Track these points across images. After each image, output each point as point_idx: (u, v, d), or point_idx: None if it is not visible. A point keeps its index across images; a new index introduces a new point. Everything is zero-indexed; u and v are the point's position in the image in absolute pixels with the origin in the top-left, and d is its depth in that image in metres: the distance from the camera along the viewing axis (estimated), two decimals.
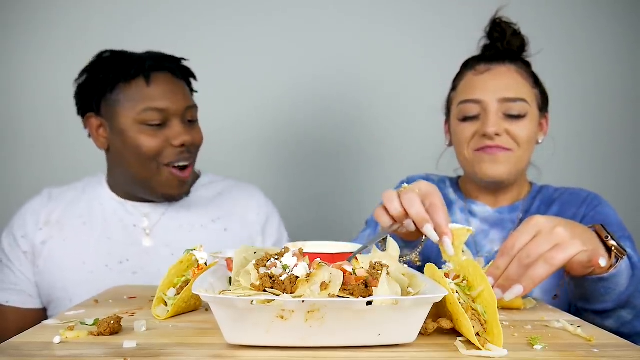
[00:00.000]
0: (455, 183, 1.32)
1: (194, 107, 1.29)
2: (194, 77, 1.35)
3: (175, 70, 1.28)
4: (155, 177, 1.24)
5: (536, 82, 1.20)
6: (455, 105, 1.20)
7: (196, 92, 1.35)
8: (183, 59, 1.32)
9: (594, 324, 0.89)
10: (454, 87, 1.24)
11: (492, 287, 0.76)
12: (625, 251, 0.84)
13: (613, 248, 0.83)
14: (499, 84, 1.15)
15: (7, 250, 1.28)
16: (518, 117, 1.14)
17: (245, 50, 1.87)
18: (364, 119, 1.90)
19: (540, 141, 1.21)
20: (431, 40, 1.88)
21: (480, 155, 1.15)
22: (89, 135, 1.31)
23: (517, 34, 1.21)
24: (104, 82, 1.23)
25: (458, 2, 1.87)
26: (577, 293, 0.90)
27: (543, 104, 1.21)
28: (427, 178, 1.32)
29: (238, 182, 1.45)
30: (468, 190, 1.27)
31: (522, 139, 1.14)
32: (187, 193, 1.33)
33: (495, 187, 1.20)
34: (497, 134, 1.13)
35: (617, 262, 0.83)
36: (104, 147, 1.29)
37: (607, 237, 0.83)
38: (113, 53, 1.28)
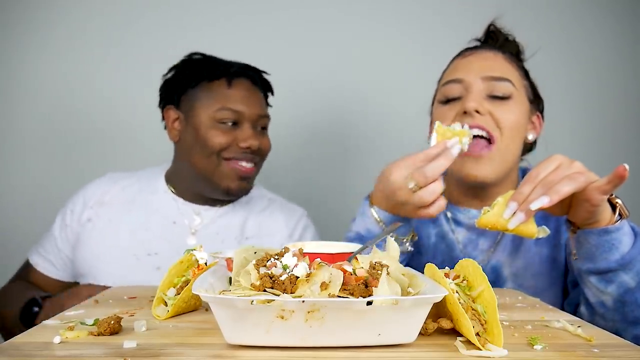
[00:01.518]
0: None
1: (266, 117, 1.37)
2: (272, 92, 1.42)
3: (256, 79, 1.36)
4: (217, 170, 1.30)
5: (526, 75, 1.14)
6: (440, 88, 1.15)
7: (271, 106, 1.42)
8: (265, 72, 1.39)
9: (598, 294, 0.90)
10: (439, 80, 1.19)
11: (514, 212, 0.83)
12: (628, 213, 0.88)
13: (617, 205, 0.88)
14: (483, 64, 1.10)
15: (57, 219, 1.38)
16: (503, 98, 1.07)
17: (245, 50, 1.87)
18: (368, 117, 1.90)
19: (530, 138, 1.14)
20: (432, 37, 1.88)
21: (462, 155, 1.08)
22: (165, 127, 1.39)
23: (510, 40, 1.19)
24: (189, 78, 1.32)
25: (457, 3, 1.88)
26: (582, 253, 0.91)
27: (534, 98, 1.15)
28: None
29: (284, 202, 1.48)
30: (450, 193, 1.17)
31: (506, 124, 1.06)
32: (247, 191, 1.37)
33: (480, 189, 1.13)
34: (477, 111, 1.05)
35: (620, 219, 0.87)
36: (175, 139, 1.36)
37: (611, 195, 0.87)
38: (204, 56, 1.37)
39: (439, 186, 0.93)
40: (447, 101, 1.11)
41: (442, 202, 0.95)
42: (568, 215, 0.90)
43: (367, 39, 1.90)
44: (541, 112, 1.19)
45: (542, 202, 0.80)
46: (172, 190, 1.39)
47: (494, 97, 1.07)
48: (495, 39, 1.19)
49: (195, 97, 1.31)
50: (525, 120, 1.11)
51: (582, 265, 0.92)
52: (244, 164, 1.31)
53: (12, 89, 1.86)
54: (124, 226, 1.33)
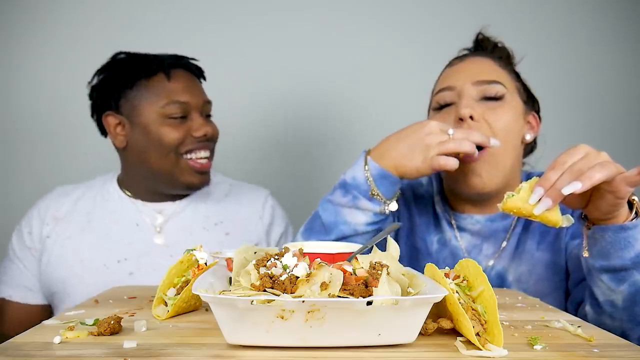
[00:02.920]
0: (442, 187, 1.24)
1: (210, 103, 1.35)
2: (204, 77, 1.39)
3: (190, 67, 1.34)
4: (176, 167, 1.28)
5: (518, 77, 1.14)
6: (432, 97, 1.16)
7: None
8: (194, 59, 1.37)
9: (608, 293, 0.89)
10: (433, 90, 1.19)
11: (541, 198, 0.82)
12: None
13: (635, 202, 0.87)
14: (473, 69, 1.10)
15: (15, 245, 1.34)
16: (495, 99, 1.07)
17: (245, 51, 1.87)
18: (366, 118, 1.90)
19: (528, 138, 1.14)
20: (430, 39, 1.88)
21: (460, 164, 1.08)
22: (103, 134, 1.35)
23: (500, 46, 1.19)
24: (124, 80, 1.27)
25: (454, 8, 1.87)
26: (596, 250, 0.89)
27: (528, 99, 1.14)
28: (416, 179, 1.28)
29: (246, 184, 1.47)
30: (452, 202, 1.20)
31: (499, 126, 1.06)
32: (208, 182, 1.35)
33: (480, 198, 1.13)
34: (471, 117, 1.05)
35: (636, 217, 0.86)
36: (122, 145, 1.31)
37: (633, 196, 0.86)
38: (128, 54, 1.32)
39: (467, 145, 1.00)
40: (441, 107, 1.12)
41: (456, 163, 1.02)
42: (585, 209, 0.89)
43: (369, 39, 1.89)
44: (537, 112, 1.18)
45: (575, 187, 0.78)
46: (128, 193, 1.36)
47: (487, 99, 1.08)
48: (484, 47, 1.19)
49: (136, 97, 1.27)
50: (520, 121, 1.11)
51: (595, 262, 0.90)
52: (202, 153, 1.30)
53: (12, 89, 1.86)
54: (87, 239, 1.30)
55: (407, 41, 1.90)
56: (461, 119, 1.06)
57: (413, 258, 1.20)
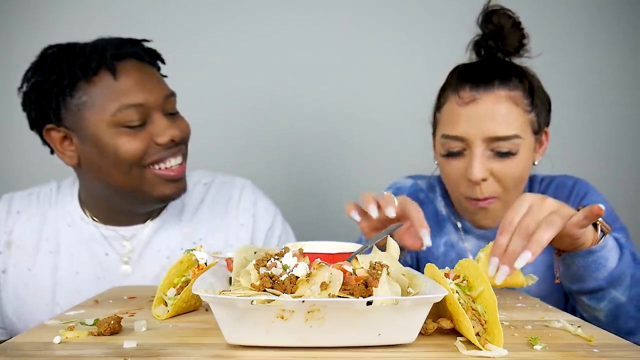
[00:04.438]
0: (445, 191, 1.22)
1: (173, 96, 1.09)
2: (162, 60, 1.13)
3: (141, 55, 1.08)
4: (142, 182, 1.05)
5: (532, 102, 1.05)
6: (439, 136, 1.09)
7: (166, 76, 1.14)
8: (145, 40, 1.11)
9: (590, 311, 0.90)
10: (438, 107, 1.12)
11: (498, 267, 0.79)
12: (610, 228, 0.86)
13: (599, 223, 0.86)
14: (486, 120, 1.01)
15: None
16: (508, 154, 1.03)
17: (244, 49, 1.87)
18: (364, 114, 1.90)
19: (537, 163, 1.12)
20: (431, 37, 1.88)
21: (470, 206, 1.09)
22: (51, 152, 1.11)
23: (515, 25, 1.08)
24: (59, 84, 1.02)
25: (456, 9, 1.87)
26: (569, 275, 0.90)
27: (540, 123, 1.07)
28: (414, 185, 1.27)
29: (219, 178, 1.26)
30: (457, 208, 1.18)
31: (509, 181, 1.04)
32: (185, 190, 1.12)
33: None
34: (483, 179, 1.03)
35: (603, 236, 0.85)
36: (73, 162, 1.07)
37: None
38: (60, 47, 1.06)
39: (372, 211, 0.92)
40: (449, 154, 1.07)
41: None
42: (552, 242, 0.87)
43: (367, 36, 1.89)
44: (548, 124, 1.14)
45: (526, 257, 0.76)
46: (89, 215, 1.14)
47: (499, 154, 1.03)
48: (496, 27, 1.09)
49: (79, 105, 1.01)
50: (530, 160, 1.07)
51: (571, 286, 0.92)
52: (172, 161, 1.06)
53: (12, 89, 1.86)
54: (47, 274, 1.11)
55: (407, 41, 1.90)
56: (470, 180, 1.04)
57: (422, 260, 1.20)
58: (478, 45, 1.13)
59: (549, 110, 1.12)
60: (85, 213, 1.15)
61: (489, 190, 1.05)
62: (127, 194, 1.07)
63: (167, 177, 1.07)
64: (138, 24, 1.84)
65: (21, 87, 1.09)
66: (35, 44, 1.84)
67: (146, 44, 1.10)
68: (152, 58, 1.10)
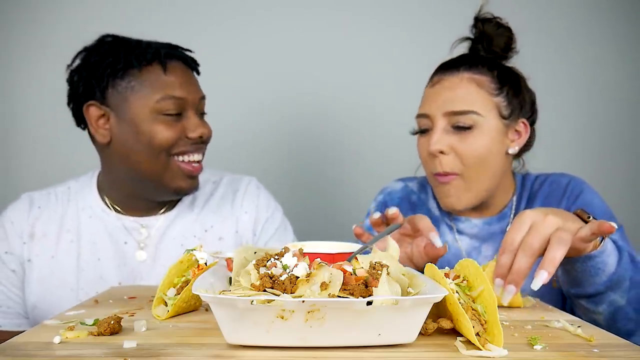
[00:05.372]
0: None
1: (204, 98, 1.23)
2: (198, 71, 1.27)
3: (187, 59, 1.22)
4: (166, 170, 1.15)
5: (501, 88, 1.09)
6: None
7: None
8: (189, 50, 1.25)
9: (588, 314, 0.90)
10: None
11: (503, 286, 0.78)
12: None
13: None
14: (447, 96, 1.08)
15: None
16: (465, 128, 1.06)
17: (246, 49, 1.87)
18: (365, 113, 1.90)
19: (512, 152, 1.12)
20: (431, 37, 1.88)
21: (435, 183, 1.11)
22: (79, 126, 1.20)
23: (500, 28, 1.14)
24: (113, 67, 1.12)
25: (456, 9, 1.87)
26: (568, 280, 0.90)
27: (512, 110, 1.10)
28: (405, 188, 1.28)
29: (230, 178, 1.35)
30: (434, 192, 1.19)
31: (469, 157, 1.06)
32: (197, 188, 1.22)
33: (461, 211, 1.15)
34: (441, 152, 1.07)
35: (602, 242, 0.85)
36: (105, 141, 1.15)
37: (589, 218, 0.84)
38: (116, 38, 1.18)
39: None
40: (419, 132, 1.14)
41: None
42: None
43: (369, 39, 1.89)
44: (531, 115, 1.15)
45: (542, 277, 0.74)
46: (109, 204, 1.23)
47: (458, 128, 1.08)
48: (480, 33, 1.15)
49: (127, 87, 1.12)
50: (497, 141, 1.09)
51: (570, 290, 0.92)
52: (195, 156, 1.17)
53: (12, 89, 1.86)
54: (73, 263, 1.17)
55: (408, 41, 1.90)
56: (430, 153, 1.09)
57: None
58: (470, 50, 1.18)
59: (531, 105, 1.14)
60: (105, 203, 1.23)
61: (450, 166, 1.08)
62: (148, 180, 1.16)
63: (187, 171, 1.17)
64: (138, 24, 1.84)
65: (71, 64, 1.18)
66: (35, 44, 1.85)
67: (189, 54, 1.25)
68: (194, 65, 1.25)
